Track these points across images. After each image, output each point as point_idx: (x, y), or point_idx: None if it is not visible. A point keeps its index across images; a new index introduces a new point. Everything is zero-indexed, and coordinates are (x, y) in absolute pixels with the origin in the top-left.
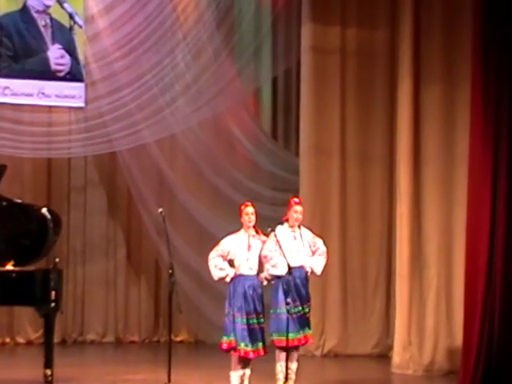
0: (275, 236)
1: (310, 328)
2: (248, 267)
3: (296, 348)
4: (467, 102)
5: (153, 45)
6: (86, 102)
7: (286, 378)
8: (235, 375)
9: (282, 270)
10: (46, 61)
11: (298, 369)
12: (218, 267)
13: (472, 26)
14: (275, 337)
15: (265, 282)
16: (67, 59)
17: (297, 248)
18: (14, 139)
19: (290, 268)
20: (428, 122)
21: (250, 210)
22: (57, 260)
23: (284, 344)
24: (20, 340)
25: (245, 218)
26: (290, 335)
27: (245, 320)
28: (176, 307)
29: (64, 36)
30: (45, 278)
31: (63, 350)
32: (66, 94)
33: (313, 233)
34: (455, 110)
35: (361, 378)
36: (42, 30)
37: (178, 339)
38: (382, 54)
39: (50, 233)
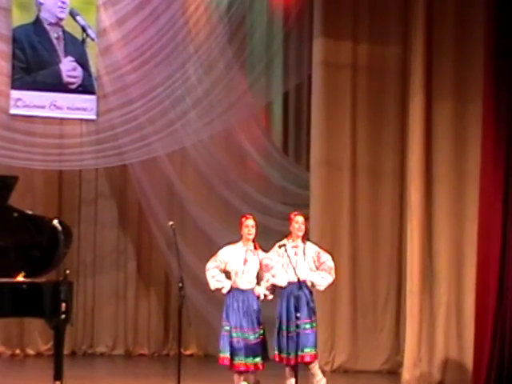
0: (286, 251)
1: (309, 347)
2: (244, 281)
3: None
4: (479, 118)
5: (164, 58)
6: (98, 115)
7: None
8: None
9: (281, 281)
10: (58, 73)
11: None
12: (215, 278)
13: (484, 42)
14: (275, 352)
15: (261, 297)
16: (79, 72)
17: (296, 263)
18: (25, 151)
19: (300, 283)
20: (439, 137)
21: (250, 222)
22: (67, 272)
23: (283, 361)
24: (30, 351)
25: (244, 231)
26: (291, 352)
27: (240, 334)
28: (186, 320)
29: (76, 48)
30: (55, 290)
31: (73, 362)
32: (78, 107)
33: (321, 248)
34: (467, 125)
35: None
36: (55, 42)
37: (188, 353)
38: (393, 69)
39: (61, 245)
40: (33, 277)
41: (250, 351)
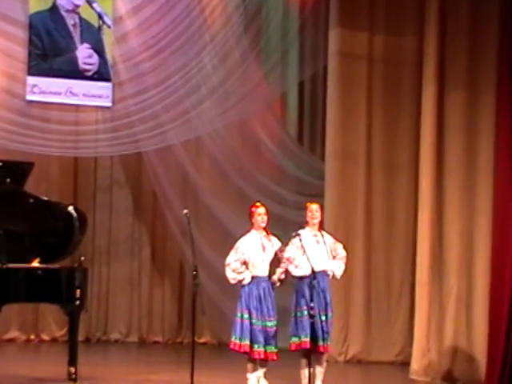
0: (300, 240)
1: (327, 337)
2: (263, 268)
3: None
4: (491, 110)
5: (180, 47)
6: (113, 102)
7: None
8: (252, 377)
9: (305, 271)
10: (74, 60)
11: (325, 370)
12: (236, 271)
13: (498, 34)
14: (295, 340)
15: (277, 284)
16: (95, 59)
17: (320, 252)
18: (41, 137)
19: (314, 272)
20: (451, 129)
21: (262, 210)
22: (82, 259)
23: (307, 346)
24: (45, 337)
25: (257, 219)
26: (314, 340)
27: (260, 322)
28: (199, 309)
29: (92, 36)
30: (70, 276)
31: (87, 349)
32: (94, 94)
33: (334, 238)
34: (479, 117)
35: None
36: (71, 29)
37: (201, 341)
38: (409, 61)
39: (76, 231)
40: (48, 263)
41: (269, 339)
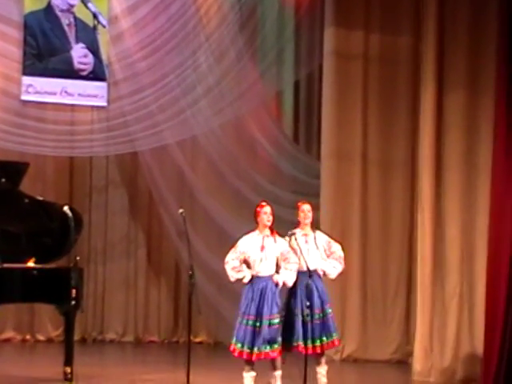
0: (296, 240)
1: (329, 334)
2: (262, 268)
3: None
4: (490, 109)
5: (175, 46)
6: (109, 102)
7: (305, 382)
8: (247, 376)
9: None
10: (69, 60)
11: (327, 371)
12: (235, 269)
13: (497, 33)
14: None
15: (280, 284)
16: (90, 58)
17: (309, 251)
18: (36, 137)
19: (309, 271)
20: (450, 128)
21: (268, 209)
22: (78, 258)
23: (299, 349)
24: (40, 337)
25: (263, 218)
26: (307, 342)
27: (251, 322)
28: (196, 308)
29: (87, 35)
30: (65, 276)
31: (83, 349)
32: (89, 93)
33: (332, 238)
34: (478, 117)
35: None
36: (66, 29)
37: (197, 340)
38: (405, 60)
39: (72, 231)
40: (43, 263)
41: (261, 339)
